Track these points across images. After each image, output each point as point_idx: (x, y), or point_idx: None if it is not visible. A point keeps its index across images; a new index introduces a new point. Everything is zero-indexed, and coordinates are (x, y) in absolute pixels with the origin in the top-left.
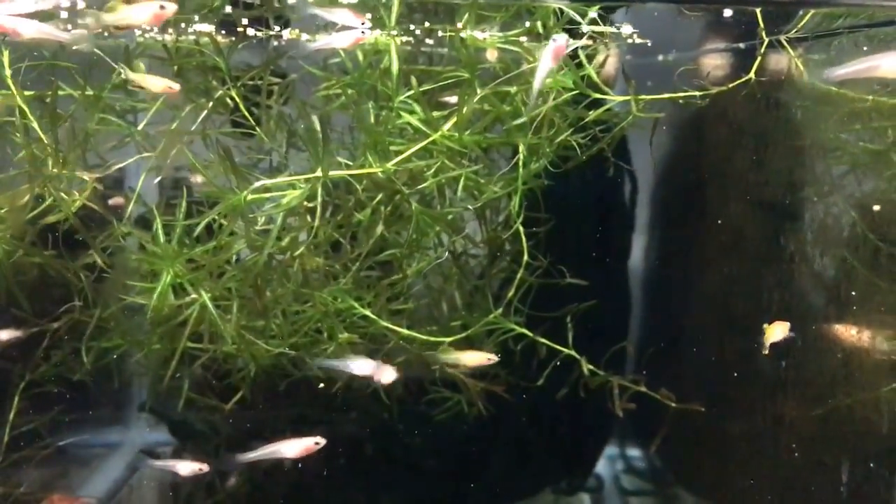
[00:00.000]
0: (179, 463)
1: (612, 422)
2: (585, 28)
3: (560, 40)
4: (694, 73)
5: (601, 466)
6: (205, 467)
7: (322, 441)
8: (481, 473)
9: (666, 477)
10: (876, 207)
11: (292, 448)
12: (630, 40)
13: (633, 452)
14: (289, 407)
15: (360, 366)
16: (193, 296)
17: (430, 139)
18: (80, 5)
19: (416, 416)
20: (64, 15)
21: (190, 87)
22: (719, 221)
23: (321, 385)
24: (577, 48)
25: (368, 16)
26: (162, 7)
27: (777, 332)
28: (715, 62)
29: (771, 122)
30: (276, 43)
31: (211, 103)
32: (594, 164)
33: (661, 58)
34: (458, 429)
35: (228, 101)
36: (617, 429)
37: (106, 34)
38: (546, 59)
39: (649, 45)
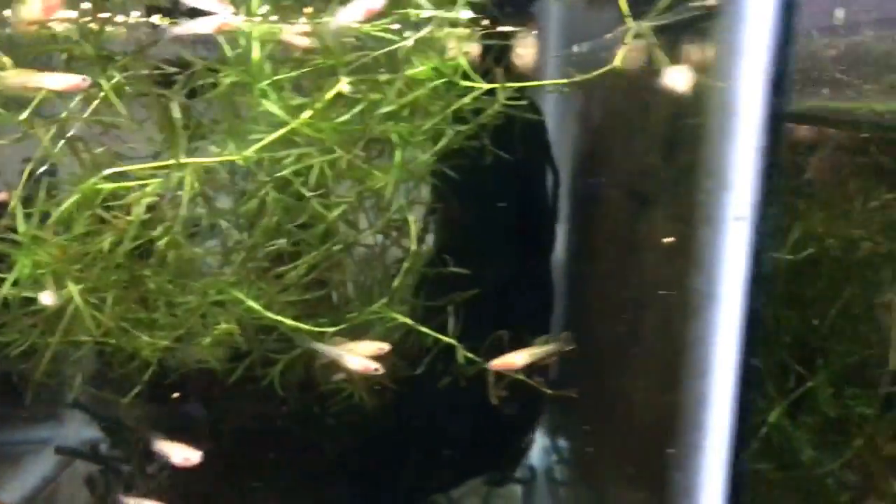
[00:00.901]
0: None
1: (538, 412)
2: (426, 14)
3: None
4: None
5: (534, 457)
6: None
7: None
8: (392, 466)
9: (596, 466)
10: (667, 239)
11: (177, 455)
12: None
13: (565, 443)
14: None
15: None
16: (68, 288)
17: (289, 127)
18: None
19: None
20: None
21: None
22: (597, 211)
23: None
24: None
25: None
26: None
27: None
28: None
29: (637, 112)
30: (148, 29)
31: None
32: (508, 152)
33: (575, 49)
34: (361, 422)
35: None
36: (548, 419)
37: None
38: (354, 7)
39: (534, 34)
